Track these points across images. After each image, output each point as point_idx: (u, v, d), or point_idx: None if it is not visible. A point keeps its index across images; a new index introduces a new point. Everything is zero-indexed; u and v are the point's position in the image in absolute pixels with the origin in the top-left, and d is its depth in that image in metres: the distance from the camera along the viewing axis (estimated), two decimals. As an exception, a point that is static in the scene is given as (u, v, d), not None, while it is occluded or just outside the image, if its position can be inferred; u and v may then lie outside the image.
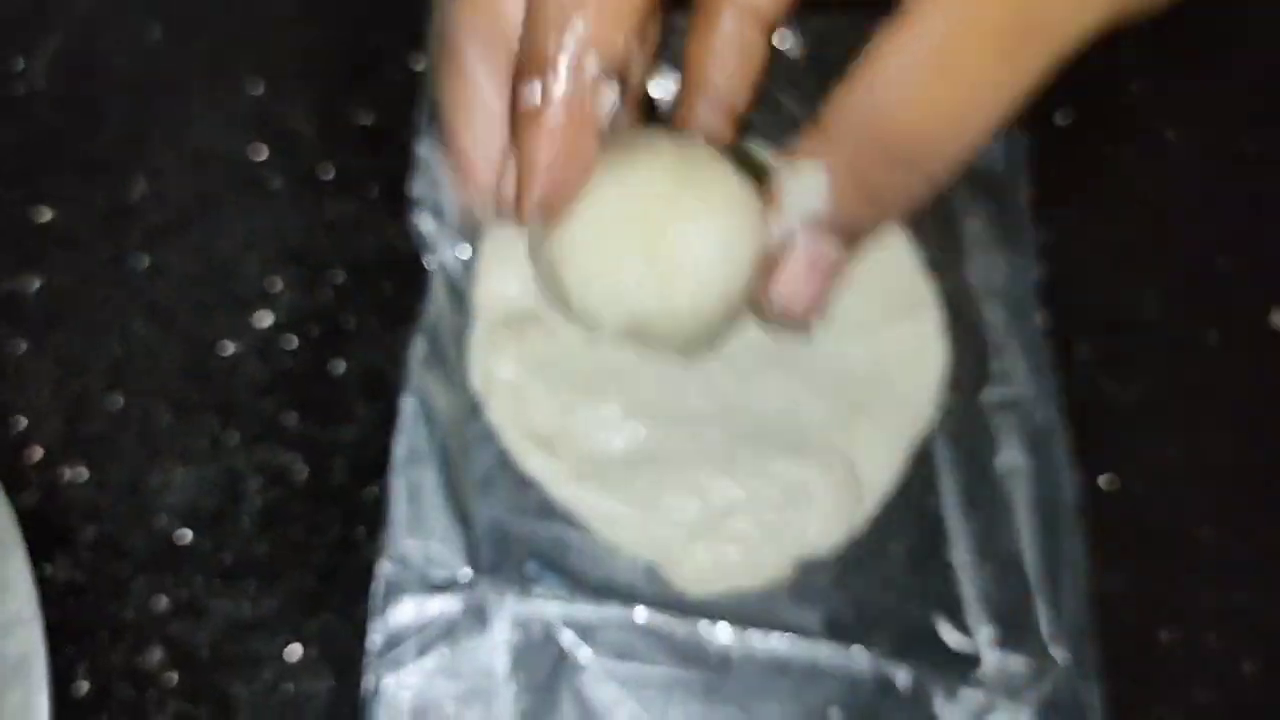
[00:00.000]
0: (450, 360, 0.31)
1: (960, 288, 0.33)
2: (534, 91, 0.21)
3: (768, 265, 0.22)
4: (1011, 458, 0.30)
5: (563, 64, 0.20)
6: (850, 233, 0.21)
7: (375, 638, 0.28)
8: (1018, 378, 0.31)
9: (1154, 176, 0.36)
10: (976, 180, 0.34)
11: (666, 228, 0.23)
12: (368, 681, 0.27)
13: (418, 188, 0.33)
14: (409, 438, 0.30)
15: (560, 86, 0.21)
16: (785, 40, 0.36)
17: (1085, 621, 0.28)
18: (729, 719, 0.27)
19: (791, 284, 0.22)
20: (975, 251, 0.33)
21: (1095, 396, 0.32)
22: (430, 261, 0.32)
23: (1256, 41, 0.38)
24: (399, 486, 0.29)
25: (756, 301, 0.23)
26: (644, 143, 0.24)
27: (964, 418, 0.31)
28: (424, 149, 0.33)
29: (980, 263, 0.33)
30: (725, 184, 0.23)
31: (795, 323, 0.23)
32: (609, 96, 0.21)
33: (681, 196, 0.23)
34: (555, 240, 0.23)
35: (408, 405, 0.30)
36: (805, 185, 0.21)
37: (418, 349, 0.31)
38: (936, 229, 0.33)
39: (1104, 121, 0.36)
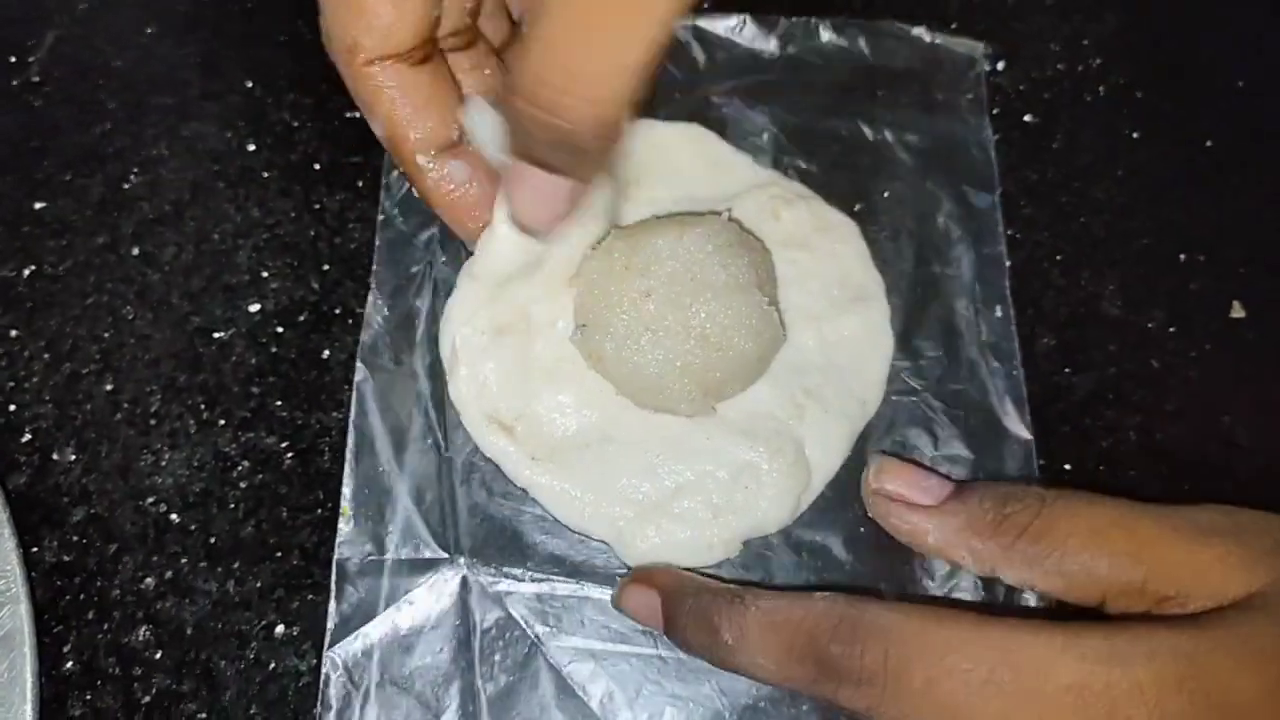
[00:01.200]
0: (406, 348, 0.32)
1: (932, 281, 0.34)
2: None
3: None
4: (975, 442, 0.31)
5: None
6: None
7: (335, 619, 0.28)
8: (983, 365, 0.32)
9: (1118, 175, 0.37)
10: (951, 181, 0.35)
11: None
12: (326, 662, 0.28)
13: (394, 183, 0.34)
14: (361, 423, 0.31)
15: None
16: (759, 40, 0.37)
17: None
18: (696, 693, 0.28)
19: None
20: (947, 248, 0.34)
21: (1055, 385, 0.33)
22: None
23: (1214, 44, 0.39)
24: (355, 471, 0.30)
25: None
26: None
27: (930, 405, 0.32)
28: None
29: (952, 258, 0.34)
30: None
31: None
32: None
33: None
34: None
35: (363, 392, 0.31)
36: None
37: (367, 338, 0.32)
38: (914, 227, 0.34)
39: (1071, 122, 0.37)
